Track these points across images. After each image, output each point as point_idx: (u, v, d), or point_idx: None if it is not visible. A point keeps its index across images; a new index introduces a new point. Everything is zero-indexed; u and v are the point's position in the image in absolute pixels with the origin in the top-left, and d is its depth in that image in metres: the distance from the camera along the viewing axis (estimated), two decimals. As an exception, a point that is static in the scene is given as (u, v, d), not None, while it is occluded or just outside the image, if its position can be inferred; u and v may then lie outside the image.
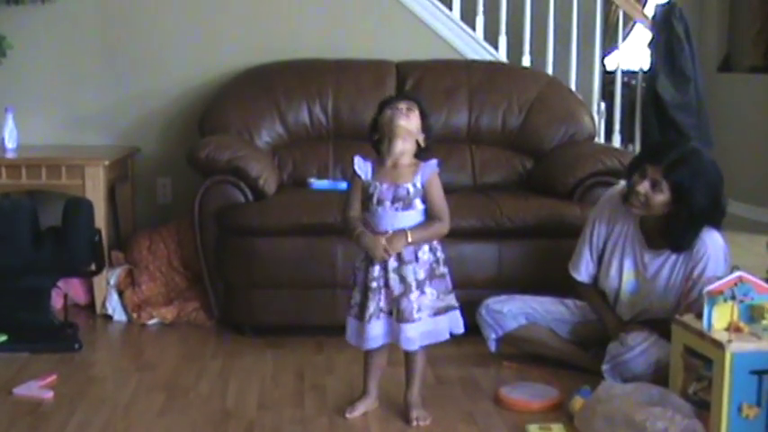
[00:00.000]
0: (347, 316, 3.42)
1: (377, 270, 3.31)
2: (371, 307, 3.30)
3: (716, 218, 3.68)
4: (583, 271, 3.98)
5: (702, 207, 3.58)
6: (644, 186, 3.60)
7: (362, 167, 3.37)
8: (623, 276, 3.85)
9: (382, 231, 3.30)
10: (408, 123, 3.32)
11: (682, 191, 3.55)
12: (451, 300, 3.42)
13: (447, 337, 3.42)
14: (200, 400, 3.63)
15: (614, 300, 3.91)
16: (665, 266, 3.74)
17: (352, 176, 3.42)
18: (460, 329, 3.45)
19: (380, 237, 3.28)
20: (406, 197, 3.32)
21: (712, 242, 3.65)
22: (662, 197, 3.59)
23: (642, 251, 3.79)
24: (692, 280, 3.61)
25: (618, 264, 3.86)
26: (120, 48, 5.36)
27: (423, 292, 3.32)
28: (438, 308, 3.36)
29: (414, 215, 3.33)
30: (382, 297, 3.31)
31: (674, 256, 3.72)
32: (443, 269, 3.41)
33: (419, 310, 3.30)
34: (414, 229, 3.31)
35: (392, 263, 3.29)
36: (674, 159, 3.57)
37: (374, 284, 3.31)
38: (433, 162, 3.38)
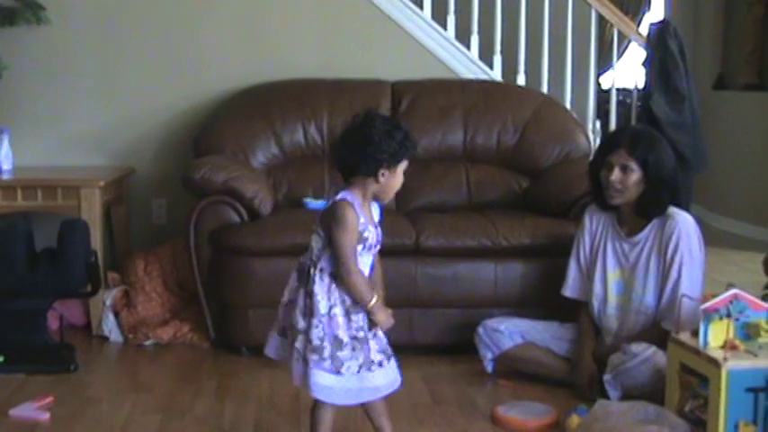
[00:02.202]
0: (315, 369, 2.95)
1: (361, 318, 3.00)
2: (361, 357, 2.97)
3: (679, 189, 3.88)
4: (570, 284, 4.05)
5: (668, 174, 3.79)
6: (616, 175, 3.79)
7: (355, 206, 2.98)
8: (608, 279, 3.92)
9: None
10: None
11: (649, 163, 3.76)
12: None
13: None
14: (197, 421, 3.62)
15: (603, 308, 3.93)
16: (644, 250, 3.85)
17: (351, 217, 2.94)
18: None
19: (389, 310, 3.02)
20: (380, 239, 3.09)
21: (680, 217, 3.82)
22: (635, 176, 3.77)
23: (621, 243, 3.91)
24: (668, 258, 3.74)
25: (602, 267, 3.94)
26: (114, 69, 5.37)
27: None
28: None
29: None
30: (379, 342, 3.05)
31: (649, 238, 3.83)
32: None
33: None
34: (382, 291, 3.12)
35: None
36: (633, 138, 3.80)
37: (362, 334, 2.99)
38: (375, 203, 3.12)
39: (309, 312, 2.96)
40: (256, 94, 5.21)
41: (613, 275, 3.92)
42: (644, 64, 6.37)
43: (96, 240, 4.54)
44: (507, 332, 4.05)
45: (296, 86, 5.23)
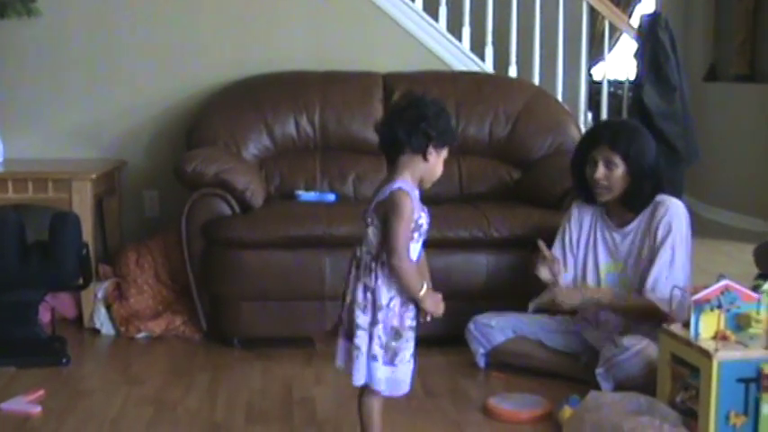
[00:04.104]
0: (384, 366, 2.92)
1: (412, 311, 2.99)
2: (412, 347, 2.98)
3: (662, 176, 3.87)
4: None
5: (651, 165, 3.80)
6: (600, 171, 3.80)
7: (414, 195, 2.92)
8: (601, 271, 3.94)
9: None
10: None
11: (632, 156, 3.77)
12: None
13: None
14: (189, 413, 3.62)
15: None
16: (635, 240, 3.87)
17: (409, 207, 2.88)
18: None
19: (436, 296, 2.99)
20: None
21: (671, 203, 3.83)
22: (619, 170, 3.78)
23: (612, 234, 3.92)
24: (659, 238, 3.77)
25: (593, 261, 3.96)
26: (106, 61, 5.36)
27: None
28: None
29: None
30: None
31: (640, 227, 3.86)
32: None
33: None
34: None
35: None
36: (614, 133, 3.81)
37: (414, 324, 2.99)
38: None
39: (372, 307, 2.91)
40: (248, 87, 5.20)
41: (606, 267, 3.93)
42: (635, 55, 6.39)
43: (88, 233, 4.53)
44: (498, 327, 4.06)
45: (288, 79, 5.23)
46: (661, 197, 3.84)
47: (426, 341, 4.26)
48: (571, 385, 3.78)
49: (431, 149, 2.91)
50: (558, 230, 4.07)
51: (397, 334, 2.93)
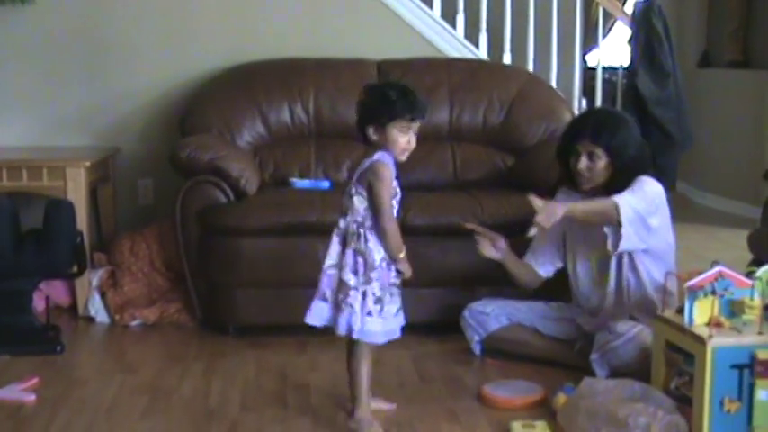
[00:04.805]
0: (380, 318, 3.23)
1: (394, 269, 3.29)
2: (399, 300, 3.30)
3: (647, 164, 3.88)
4: (537, 257, 4.08)
5: (633, 155, 3.81)
6: (583, 163, 3.82)
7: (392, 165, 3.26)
8: (592, 261, 3.95)
9: None
10: (414, 145, 3.30)
11: (614, 148, 3.78)
12: None
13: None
14: (183, 401, 3.63)
15: (585, 288, 3.98)
16: None
17: (389, 173, 3.22)
18: None
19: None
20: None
21: (646, 180, 3.79)
22: (602, 162, 3.80)
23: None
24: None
25: (583, 247, 3.96)
26: (100, 48, 5.34)
27: None
28: None
29: None
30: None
31: None
32: None
33: None
34: None
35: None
36: (596, 126, 3.83)
37: (397, 280, 3.30)
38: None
39: (364, 268, 3.22)
40: (242, 74, 5.19)
41: (597, 253, 3.91)
42: (629, 42, 6.39)
43: (82, 221, 4.53)
44: (493, 314, 4.07)
45: (282, 66, 5.22)
46: (637, 177, 3.81)
47: (422, 328, 4.31)
48: (566, 372, 3.78)
49: (370, 129, 3.23)
50: None
51: (388, 289, 3.25)
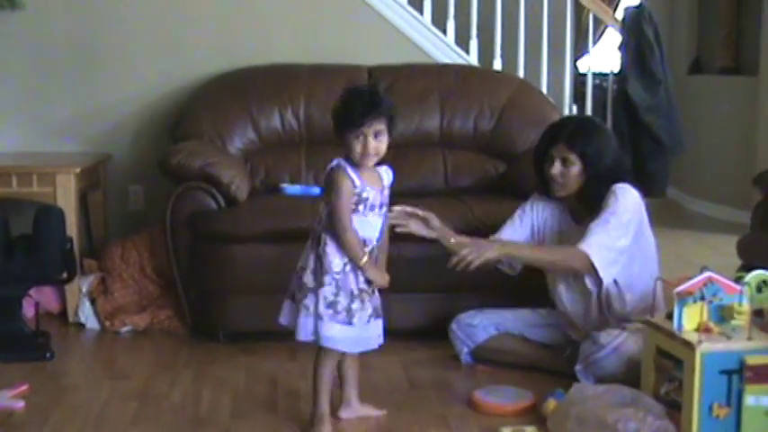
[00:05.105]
0: (330, 322, 3.23)
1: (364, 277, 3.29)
2: (370, 308, 3.28)
3: (624, 176, 3.84)
4: (504, 232, 4.02)
5: (608, 165, 3.78)
6: (556, 168, 3.80)
7: (352, 172, 3.22)
8: (569, 276, 3.89)
9: (365, 237, 3.27)
10: (379, 145, 3.23)
11: (588, 155, 3.76)
12: None
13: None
14: (174, 408, 3.62)
15: (562, 296, 3.94)
16: None
17: (341, 181, 3.21)
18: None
19: (382, 271, 3.33)
20: (386, 202, 3.35)
21: (618, 187, 3.75)
22: (575, 169, 3.78)
23: (570, 230, 3.89)
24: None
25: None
26: (90, 54, 5.34)
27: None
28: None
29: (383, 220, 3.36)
30: (374, 299, 3.32)
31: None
32: None
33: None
34: (385, 260, 3.41)
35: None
36: (572, 131, 3.80)
37: (367, 287, 3.28)
38: (387, 167, 3.38)
39: (321, 272, 3.23)
40: (233, 80, 5.19)
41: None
42: (620, 48, 6.40)
43: (72, 227, 4.52)
44: (481, 325, 4.06)
45: (273, 72, 5.22)
46: (612, 187, 3.76)
47: (412, 334, 4.31)
48: (556, 378, 3.78)
49: (340, 136, 3.24)
50: (515, 211, 4.05)
51: (352, 296, 3.24)
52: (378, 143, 3.21)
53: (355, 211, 3.24)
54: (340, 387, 3.43)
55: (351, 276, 3.25)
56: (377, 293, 3.35)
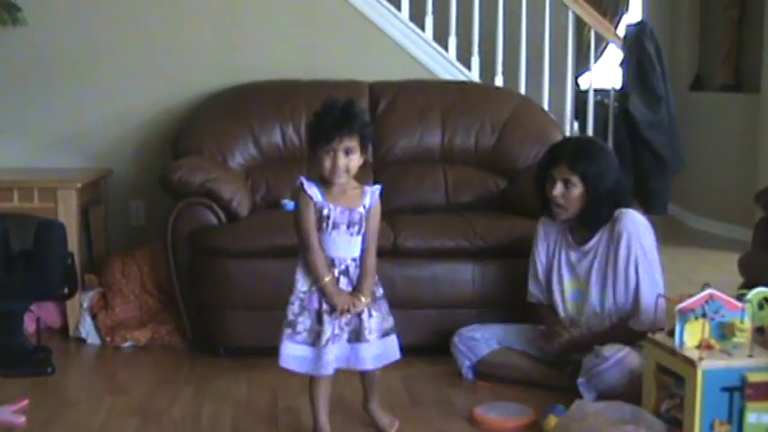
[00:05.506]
0: (287, 341, 3.27)
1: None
2: (328, 331, 3.23)
3: (625, 198, 3.88)
4: (532, 289, 4.07)
5: (609, 187, 3.79)
6: (558, 189, 3.81)
7: (312, 189, 3.22)
8: (564, 288, 3.95)
9: (334, 256, 3.25)
10: (349, 163, 3.20)
11: (590, 176, 3.76)
12: (392, 322, 3.40)
13: (398, 356, 3.40)
14: (174, 423, 3.61)
15: (563, 313, 3.97)
16: (595, 258, 3.85)
17: (299, 198, 3.26)
18: (398, 355, 3.41)
19: (345, 293, 3.24)
20: (359, 222, 3.27)
21: (628, 218, 3.78)
22: (576, 190, 3.79)
23: (573, 252, 3.92)
24: (621, 260, 3.75)
25: (558, 276, 3.97)
26: (92, 69, 5.35)
27: (371, 315, 3.31)
28: (385, 329, 3.36)
29: (361, 240, 3.30)
30: (337, 322, 3.25)
31: (600, 245, 3.84)
32: (381, 290, 3.39)
33: (370, 332, 3.30)
34: (367, 283, 3.30)
35: (346, 287, 3.27)
36: (574, 153, 3.81)
37: (328, 308, 3.24)
38: (378, 188, 3.35)
39: (289, 291, 3.27)
40: (234, 96, 5.20)
41: (569, 284, 3.95)
42: (621, 65, 6.41)
43: (73, 242, 4.52)
44: (483, 339, 4.06)
45: (274, 87, 5.23)
46: (618, 212, 3.80)
47: (413, 350, 4.30)
48: (556, 394, 3.77)
49: (311, 149, 3.26)
50: (531, 252, 4.08)
51: (318, 317, 3.24)
52: (347, 160, 3.18)
53: (319, 228, 3.23)
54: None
55: (316, 297, 3.24)
56: (367, 316, 3.29)
